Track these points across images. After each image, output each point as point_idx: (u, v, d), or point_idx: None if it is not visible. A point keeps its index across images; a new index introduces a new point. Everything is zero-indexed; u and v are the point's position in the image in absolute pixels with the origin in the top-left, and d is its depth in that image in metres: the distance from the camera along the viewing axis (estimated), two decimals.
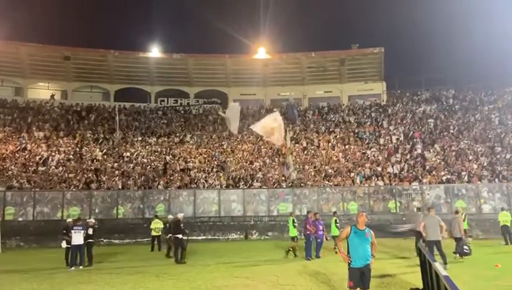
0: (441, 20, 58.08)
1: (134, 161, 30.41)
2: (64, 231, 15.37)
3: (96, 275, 12.91)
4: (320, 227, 16.40)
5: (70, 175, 28.09)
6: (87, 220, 16.50)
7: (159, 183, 27.66)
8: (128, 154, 31.18)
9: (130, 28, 69.15)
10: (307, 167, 29.68)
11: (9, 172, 27.79)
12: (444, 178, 26.73)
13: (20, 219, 24.60)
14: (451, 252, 14.33)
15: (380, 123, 35.31)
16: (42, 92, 39.50)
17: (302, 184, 27.28)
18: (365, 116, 36.80)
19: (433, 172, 27.51)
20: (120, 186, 27.17)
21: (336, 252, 15.61)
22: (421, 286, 9.27)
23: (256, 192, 26.65)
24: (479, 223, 22.78)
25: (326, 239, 16.99)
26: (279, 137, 22.53)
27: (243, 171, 29.32)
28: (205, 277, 12.18)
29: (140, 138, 33.80)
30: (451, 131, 32.59)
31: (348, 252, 7.48)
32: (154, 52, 40.68)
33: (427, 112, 36.03)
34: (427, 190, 25.79)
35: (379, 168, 28.71)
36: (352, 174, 28.33)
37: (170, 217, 19.10)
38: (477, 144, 30.20)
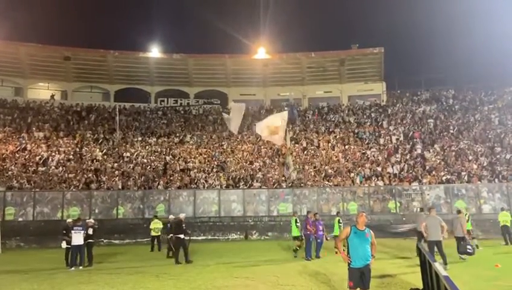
0: (441, 20, 58.16)
1: (134, 161, 30.41)
2: (64, 232, 15.38)
3: (96, 276, 12.91)
4: (320, 227, 16.41)
5: (70, 175, 28.09)
6: (87, 221, 16.49)
7: (158, 184, 27.67)
8: (128, 154, 31.18)
9: (130, 28, 69.23)
10: (306, 167, 29.69)
11: (9, 172, 27.79)
12: (443, 178, 26.73)
13: (20, 219, 24.59)
14: (457, 252, 14.39)
15: (379, 123, 35.32)
16: (42, 92, 39.51)
17: (302, 184, 27.29)
18: (365, 117, 36.80)
19: (433, 172, 27.52)
20: (120, 187, 27.16)
21: (336, 253, 15.61)
22: (421, 286, 9.28)
23: (256, 192, 26.64)
24: (478, 223, 22.70)
25: (326, 239, 17.00)
26: (281, 136, 22.57)
27: (243, 171, 29.32)
28: (205, 277, 12.18)
29: (140, 138, 33.81)
30: (451, 131, 32.60)
31: (348, 253, 7.49)
32: (154, 52, 40.71)
33: (426, 112, 36.04)
34: (426, 190, 25.79)
35: (379, 169, 28.71)
36: (352, 175, 28.34)
37: (171, 217, 19.11)
38: (477, 144, 30.20)
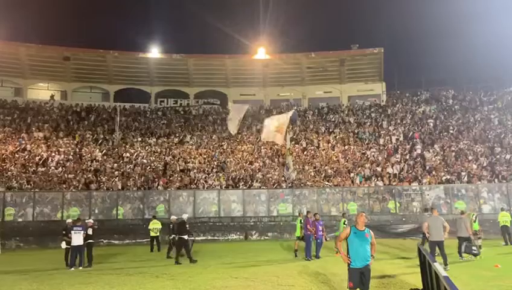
0: (440, 21, 58.18)
1: (134, 162, 30.40)
2: (64, 232, 15.39)
3: (96, 276, 12.90)
4: (320, 227, 16.39)
5: (70, 176, 28.08)
6: (86, 221, 16.49)
7: (158, 184, 27.66)
8: (128, 154, 31.17)
9: (129, 28, 69.25)
10: (306, 167, 29.68)
11: (9, 173, 27.77)
12: (443, 178, 26.73)
13: (19, 220, 24.57)
14: (458, 252, 14.39)
15: (379, 123, 35.32)
16: (42, 92, 39.50)
17: (301, 185, 27.29)
18: (365, 117, 36.81)
19: (433, 172, 27.51)
20: (120, 187, 27.15)
21: (336, 253, 15.61)
22: (420, 286, 9.27)
23: (256, 192, 26.64)
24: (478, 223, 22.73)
25: (326, 239, 17.00)
26: (282, 136, 22.63)
27: (243, 171, 29.32)
28: (205, 277, 12.17)
29: (140, 139, 33.80)
30: (451, 131, 32.60)
31: (348, 253, 7.49)
32: (154, 52, 40.73)
33: (426, 112, 36.04)
34: (426, 190, 25.78)
35: (379, 169, 28.71)
36: (352, 175, 28.34)
37: (174, 217, 18.99)
38: (477, 145, 30.20)
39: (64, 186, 27.01)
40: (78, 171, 28.61)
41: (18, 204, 24.96)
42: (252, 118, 36.48)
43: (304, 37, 58.97)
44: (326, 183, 27.61)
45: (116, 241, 23.82)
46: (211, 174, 28.96)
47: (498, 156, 28.61)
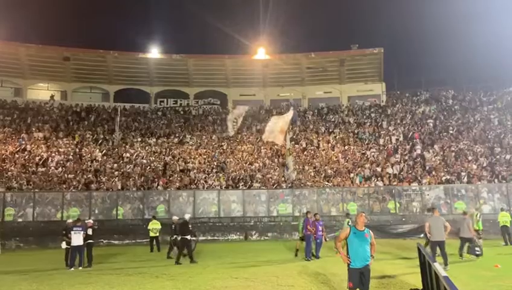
0: (440, 21, 58.15)
1: (133, 162, 30.40)
2: (64, 232, 15.38)
3: (96, 276, 12.90)
4: (320, 228, 16.39)
5: (69, 176, 28.08)
6: (86, 221, 16.49)
7: (158, 184, 27.66)
8: (127, 155, 31.17)
9: (129, 28, 69.19)
10: (306, 167, 29.69)
11: (9, 173, 27.77)
12: (443, 179, 26.73)
13: (19, 220, 24.56)
14: (458, 253, 14.38)
15: (379, 124, 35.33)
16: (42, 92, 39.49)
17: (301, 185, 27.29)
18: (365, 117, 36.81)
19: (433, 173, 27.51)
20: (120, 187, 27.15)
21: (336, 253, 15.62)
22: (420, 286, 9.27)
23: (256, 193, 26.63)
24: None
25: (325, 240, 17.00)
26: (283, 136, 22.65)
27: (243, 171, 29.32)
28: (205, 277, 12.17)
29: (139, 139, 33.79)
30: (451, 131, 32.60)
31: (348, 253, 7.49)
32: (154, 52, 40.72)
33: (426, 113, 36.05)
34: (426, 190, 25.79)
35: (379, 169, 28.71)
36: (351, 175, 28.34)
37: (175, 218, 18.88)
38: (477, 145, 30.20)
39: (64, 186, 27.01)
40: (78, 172, 28.61)
41: (18, 204, 24.96)
42: (252, 118, 36.48)
43: (304, 37, 59.04)
44: (326, 183, 27.61)
45: (116, 242, 23.80)
46: (211, 175, 28.95)
47: (498, 157, 28.61)
